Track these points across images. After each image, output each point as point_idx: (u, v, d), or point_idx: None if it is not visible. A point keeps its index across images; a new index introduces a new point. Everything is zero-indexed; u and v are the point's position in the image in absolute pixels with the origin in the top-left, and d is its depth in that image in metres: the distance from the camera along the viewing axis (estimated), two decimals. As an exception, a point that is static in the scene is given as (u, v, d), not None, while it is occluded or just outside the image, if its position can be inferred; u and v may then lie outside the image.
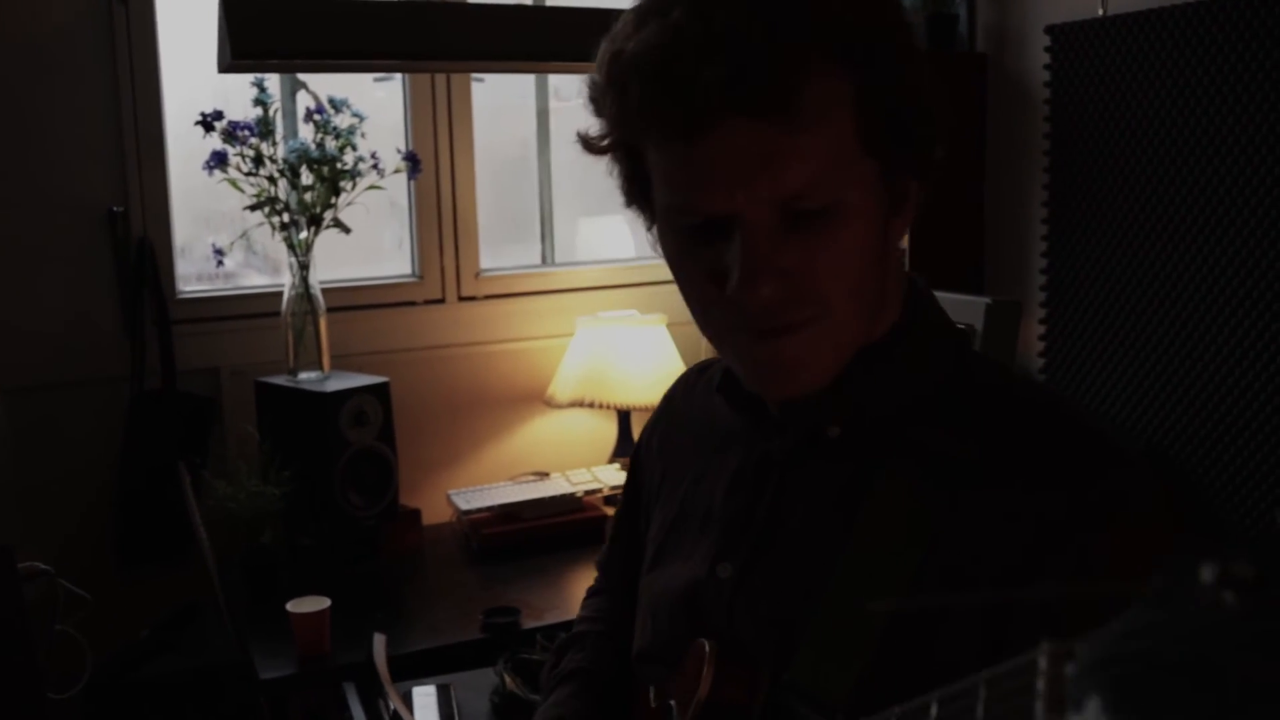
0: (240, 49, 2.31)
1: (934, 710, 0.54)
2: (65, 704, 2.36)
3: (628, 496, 1.28)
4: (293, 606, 2.27)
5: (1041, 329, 2.84)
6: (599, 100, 0.90)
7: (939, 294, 2.59)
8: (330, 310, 2.86)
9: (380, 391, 2.77)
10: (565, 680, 1.22)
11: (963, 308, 2.49)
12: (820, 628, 0.88)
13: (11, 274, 2.77)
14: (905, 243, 2.96)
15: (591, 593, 1.37)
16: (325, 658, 2.26)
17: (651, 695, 1.08)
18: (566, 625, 2.29)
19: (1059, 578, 0.79)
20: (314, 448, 2.69)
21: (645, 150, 0.91)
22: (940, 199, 3.10)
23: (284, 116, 2.98)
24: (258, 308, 3.03)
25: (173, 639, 2.72)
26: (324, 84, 2.87)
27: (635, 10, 0.87)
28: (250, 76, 2.70)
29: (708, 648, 0.95)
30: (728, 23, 0.80)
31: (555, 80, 3.36)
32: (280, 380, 2.81)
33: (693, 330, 1.06)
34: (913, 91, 0.87)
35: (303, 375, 2.81)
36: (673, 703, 1.00)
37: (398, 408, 2.84)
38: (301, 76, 2.93)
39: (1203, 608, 0.35)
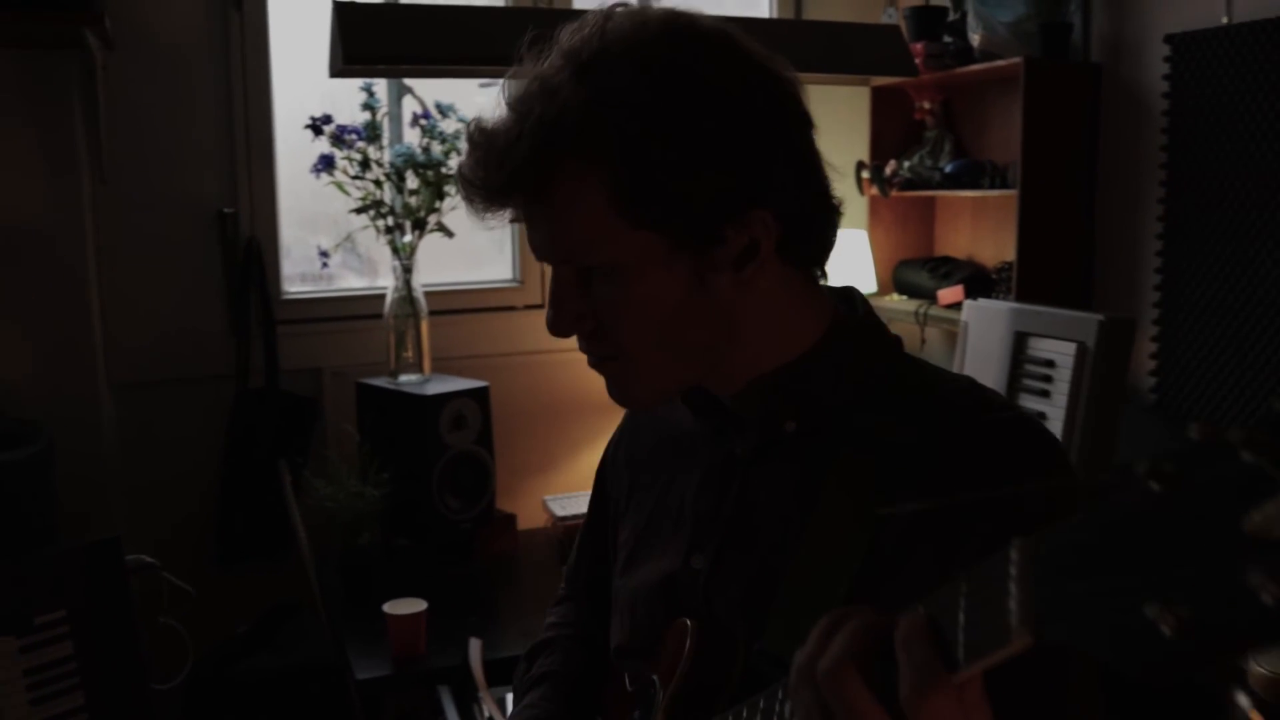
0: (351, 54, 2.33)
1: (921, 610, 0.64)
2: (166, 694, 2.40)
3: (594, 509, 1.36)
4: (389, 608, 2.28)
5: (1153, 347, 2.75)
6: None
7: (1047, 309, 2.52)
8: (432, 314, 2.88)
9: (480, 395, 2.78)
10: (537, 683, 1.29)
11: (1072, 324, 2.42)
12: (787, 600, 0.97)
13: (125, 273, 2.84)
14: (1013, 255, 2.89)
15: (557, 600, 1.43)
16: (420, 660, 2.27)
17: (627, 681, 1.14)
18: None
19: (994, 532, 0.85)
20: (413, 450, 2.70)
21: None
22: (1049, 212, 3.03)
23: (391, 121, 3.01)
24: (359, 310, 3.07)
25: (270, 636, 2.75)
26: (430, 89, 2.90)
27: None
28: (359, 81, 2.73)
29: (689, 624, 1.03)
30: (496, 125, 0.99)
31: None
32: (381, 382, 2.84)
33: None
34: (683, 176, 0.94)
35: (403, 378, 2.83)
36: (655, 677, 1.06)
37: (496, 412, 2.85)
38: (408, 82, 2.95)
39: (1134, 495, 0.47)
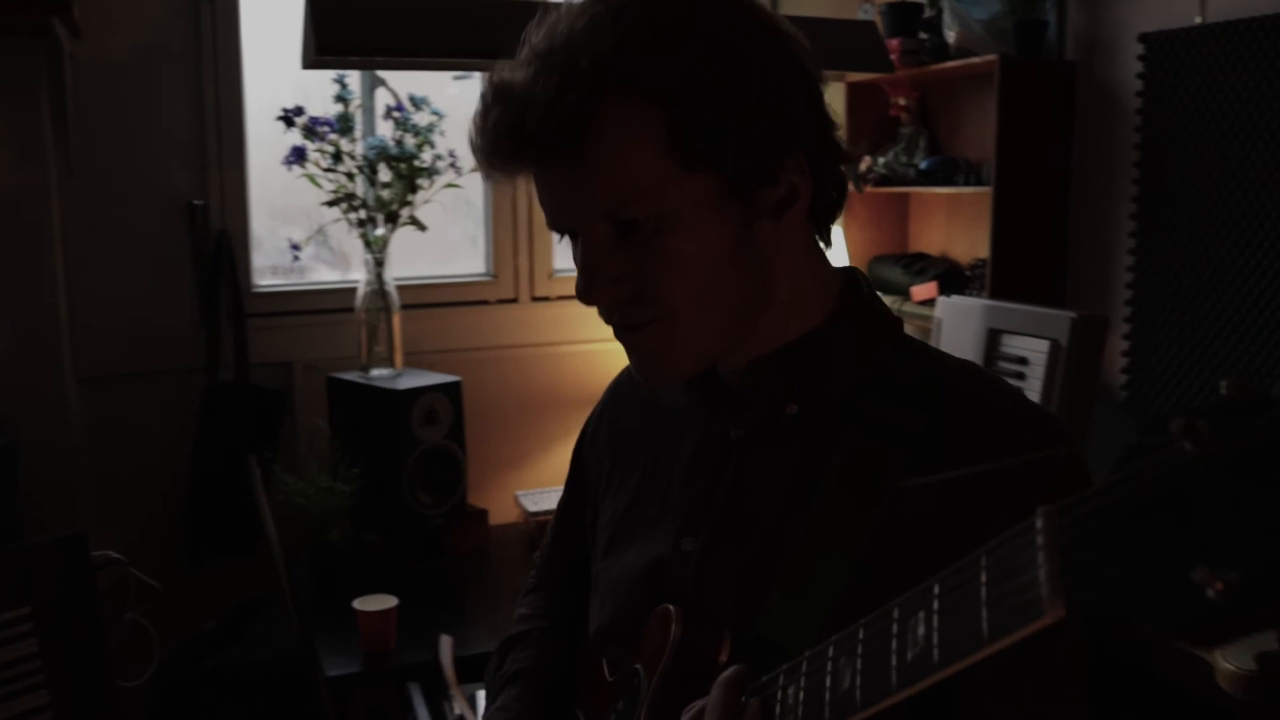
0: (325, 45, 2.31)
1: (936, 589, 0.61)
2: (133, 692, 2.38)
3: (570, 490, 1.30)
4: (359, 604, 2.26)
5: (1125, 345, 2.76)
6: None
7: (1021, 306, 2.53)
8: (404, 307, 2.86)
9: (451, 390, 2.76)
10: (511, 681, 1.23)
11: (1046, 321, 2.43)
12: (785, 586, 0.94)
13: (91, 265, 2.81)
14: (987, 253, 2.89)
15: (529, 589, 1.36)
16: (390, 656, 2.25)
17: (605, 669, 1.10)
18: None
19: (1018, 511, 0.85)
20: (384, 445, 2.69)
21: None
22: (1023, 209, 3.04)
23: (363, 113, 2.98)
24: (331, 303, 3.04)
25: (239, 632, 2.73)
26: (404, 81, 2.87)
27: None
28: (331, 73, 2.71)
29: (674, 610, 0.99)
30: (521, 79, 0.91)
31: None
32: (352, 376, 2.82)
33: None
34: (737, 110, 0.90)
35: (375, 372, 2.81)
36: (639, 667, 1.01)
37: (468, 407, 2.84)
38: (381, 74, 2.93)
39: (1167, 456, 0.45)
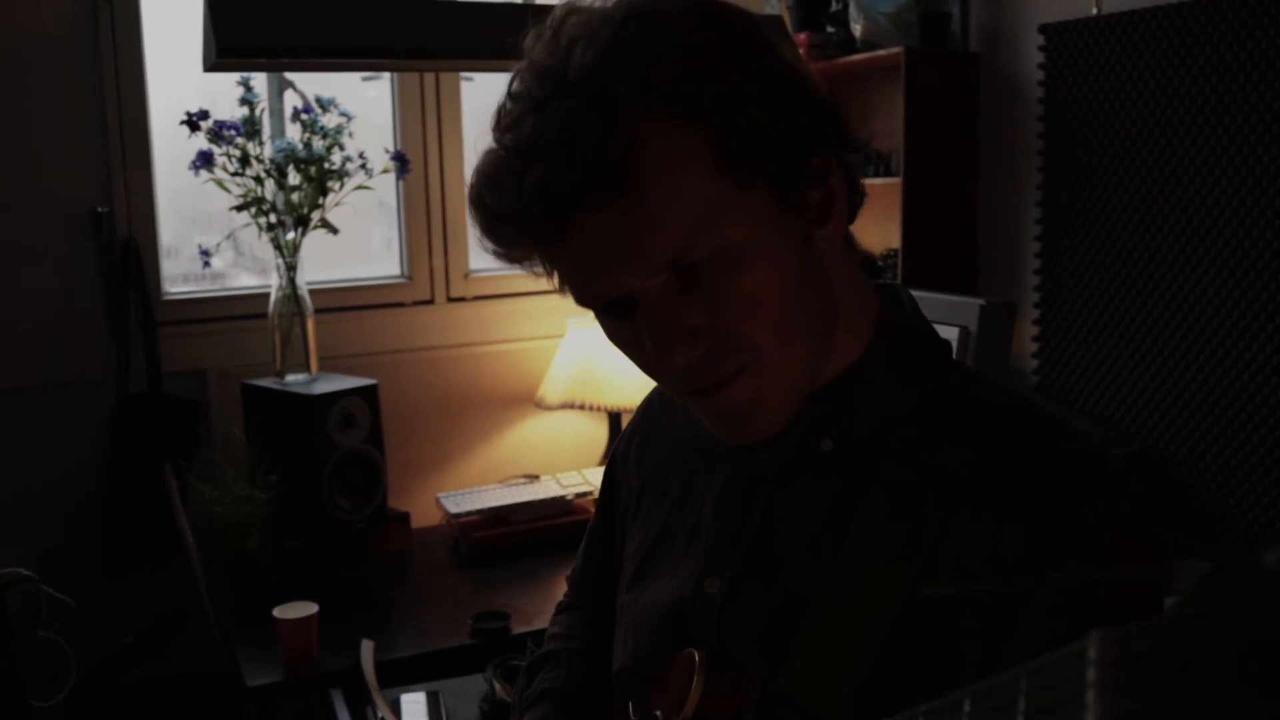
0: (226, 47, 2.27)
1: (966, 706, 0.51)
2: (49, 711, 2.33)
3: (602, 511, 1.25)
4: (280, 612, 2.24)
5: (1035, 330, 2.82)
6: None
7: (931, 294, 2.57)
8: (318, 311, 2.83)
9: (368, 393, 2.74)
10: (539, 700, 1.19)
11: (955, 309, 2.47)
12: (813, 638, 0.87)
13: (-6, 275, 2.74)
14: (898, 243, 2.94)
15: (561, 609, 1.33)
16: (312, 664, 2.23)
17: (631, 710, 1.05)
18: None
19: (1057, 592, 0.78)
20: (301, 451, 2.66)
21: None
22: (932, 199, 3.09)
23: (271, 116, 2.95)
24: (245, 309, 3.00)
25: (158, 645, 2.69)
26: (311, 83, 2.84)
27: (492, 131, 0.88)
28: (236, 76, 2.67)
29: (697, 657, 0.92)
30: (547, 127, 0.80)
31: (545, 79, 3.32)
32: (267, 382, 2.78)
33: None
34: (776, 110, 0.84)
35: (290, 377, 2.78)
36: (658, 713, 0.96)
37: (386, 410, 2.81)
38: (289, 75, 2.90)
39: (1260, 591, 0.34)
